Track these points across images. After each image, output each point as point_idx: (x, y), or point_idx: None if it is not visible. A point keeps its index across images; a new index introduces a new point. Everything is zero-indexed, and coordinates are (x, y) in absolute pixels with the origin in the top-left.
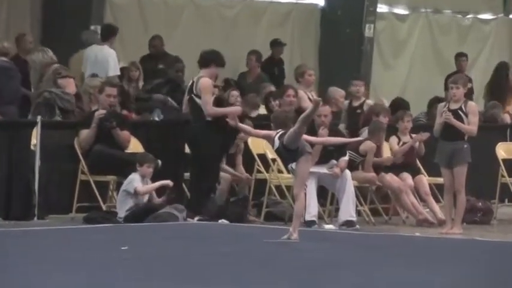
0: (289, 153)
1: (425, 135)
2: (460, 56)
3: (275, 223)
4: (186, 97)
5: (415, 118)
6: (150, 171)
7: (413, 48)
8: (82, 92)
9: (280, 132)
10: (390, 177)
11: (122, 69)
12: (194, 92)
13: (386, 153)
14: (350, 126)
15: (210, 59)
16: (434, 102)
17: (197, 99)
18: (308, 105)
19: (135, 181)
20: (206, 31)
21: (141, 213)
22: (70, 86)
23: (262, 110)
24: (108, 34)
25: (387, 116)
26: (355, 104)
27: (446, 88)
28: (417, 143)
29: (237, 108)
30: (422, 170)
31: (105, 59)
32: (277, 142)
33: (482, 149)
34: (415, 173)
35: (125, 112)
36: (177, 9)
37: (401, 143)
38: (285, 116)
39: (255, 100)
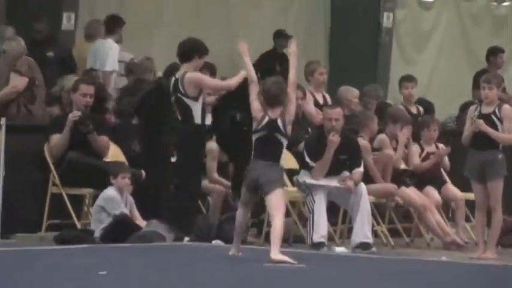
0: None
1: (446, 151)
2: (495, 52)
3: None
4: (172, 99)
5: (442, 123)
6: (127, 183)
7: (440, 41)
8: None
9: (273, 117)
10: (412, 192)
11: None
12: (182, 91)
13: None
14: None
15: (192, 51)
16: (467, 106)
17: (185, 99)
18: (311, 111)
19: (117, 202)
20: (197, 19)
21: (118, 228)
22: (15, 82)
23: None
24: (113, 26)
25: (405, 125)
26: (412, 110)
27: (475, 86)
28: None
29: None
30: (447, 179)
31: (105, 53)
32: (264, 126)
33: None
34: (439, 185)
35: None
36: None
37: (424, 153)
38: (279, 89)
39: None
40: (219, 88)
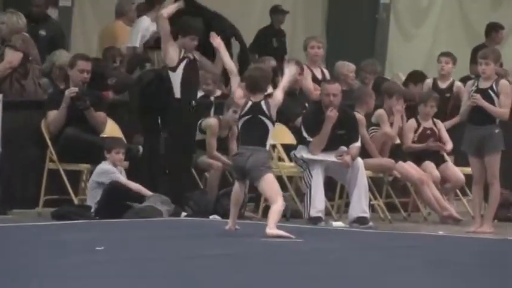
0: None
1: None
2: (495, 28)
3: None
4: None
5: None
6: (120, 158)
7: (438, 16)
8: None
9: (256, 101)
10: (409, 167)
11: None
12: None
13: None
14: (437, 115)
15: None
16: (464, 81)
17: (169, 71)
18: (309, 86)
19: (109, 174)
20: None
21: (111, 195)
22: (9, 56)
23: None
24: (152, 2)
25: (401, 98)
26: (442, 85)
27: (473, 61)
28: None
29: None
30: (447, 158)
31: (136, 30)
32: (248, 111)
33: None
34: (438, 162)
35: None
36: None
37: (421, 128)
38: (260, 75)
39: None
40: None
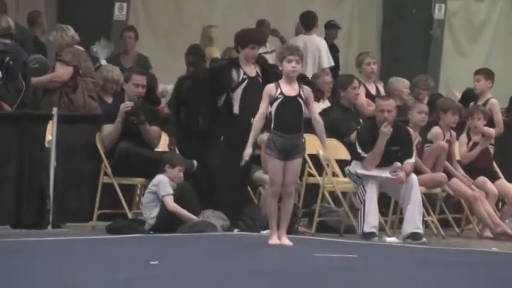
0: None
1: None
2: None
3: (329, 235)
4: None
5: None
6: (181, 176)
7: (493, 32)
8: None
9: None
10: (463, 183)
11: None
12: None
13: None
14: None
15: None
16: None
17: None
18: (362, 102)
19: (166, 186)
20: (250, 10)
21: (171, 220)
22: (59, 71)
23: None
24: (312, 22)
25: (457, 113)
26: (479, 103)
27: None
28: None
29: None
30: (500, 175)
31: (317, 49)
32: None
33: None
34: (492, 178)
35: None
36: None
37: (471, 143)
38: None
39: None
40: None
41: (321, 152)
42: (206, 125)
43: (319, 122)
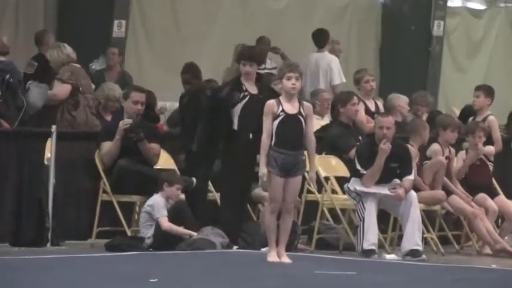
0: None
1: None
2: None
3: (328, 252)
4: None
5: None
6: (178, 194)
7: (491, 49)
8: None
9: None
10: (462, 200)
11: None
12: None
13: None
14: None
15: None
16: None
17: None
18: (361, 118)
19: (160, 208)
20: (249, 27)
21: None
22: (56, 90)
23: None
24: (324, 39)
25: (456, 130)
26: (478, 119)
27: None
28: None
29: None
30: (499, 191)
31: (328, 66)
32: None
33: None
34: (491, 194)
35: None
36: (215, 1)
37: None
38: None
39: None
40: None
41: (307, 172)
42: (201, 148)
43: (312, 141)
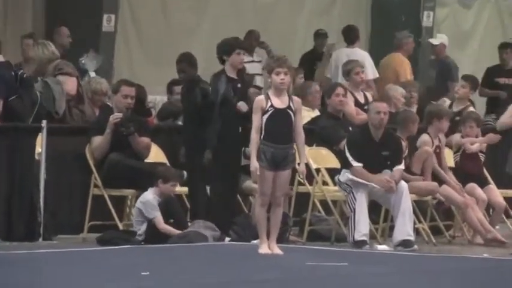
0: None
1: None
2: None
3: (320, 243)
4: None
5: (482, 121)
6: (173, 190)
7: (480, 40)
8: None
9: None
10: (453, 190)
11: None
12: None
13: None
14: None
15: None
16: (507, 103)
17: None
18: (351, 110)
19: (152, 208)
20: (238, 21)
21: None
22: (69, 84)
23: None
24: (354, 35)
25: (448, 119)
26: (455, 109)
27: None
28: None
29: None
30: (490, 181)
31: (361, 62)
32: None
33: None
34: (482, 184)
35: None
36: None
37: (461, 150)
38: None
39: None
40: None
41: (297, 166)
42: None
43: (300, 135)
